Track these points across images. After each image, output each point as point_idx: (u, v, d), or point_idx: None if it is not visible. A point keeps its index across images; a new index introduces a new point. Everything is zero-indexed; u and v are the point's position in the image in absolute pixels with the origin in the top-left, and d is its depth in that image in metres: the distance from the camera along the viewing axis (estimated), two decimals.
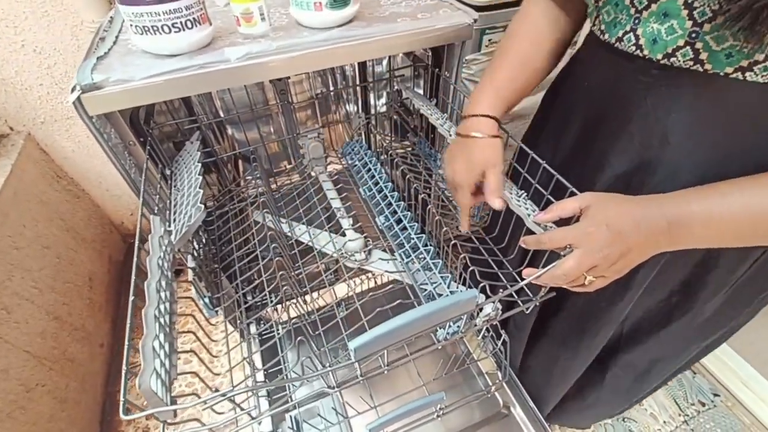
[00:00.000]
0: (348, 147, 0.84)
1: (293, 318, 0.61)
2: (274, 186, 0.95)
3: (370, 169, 0.71)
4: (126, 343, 0.32)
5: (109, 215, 1.45)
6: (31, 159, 1.11)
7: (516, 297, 0.49)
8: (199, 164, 0.54)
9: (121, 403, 0.29)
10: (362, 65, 0.96)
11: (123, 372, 0.31)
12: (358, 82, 0.99)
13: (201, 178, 0.51)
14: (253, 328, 0.77)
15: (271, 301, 0.57)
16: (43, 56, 1.02)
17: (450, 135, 0.57)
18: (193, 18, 0.51)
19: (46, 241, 1.09)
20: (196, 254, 0.55)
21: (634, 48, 0.38)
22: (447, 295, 0.49)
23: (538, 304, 0.49)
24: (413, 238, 0.56)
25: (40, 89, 1.07)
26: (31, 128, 1.13)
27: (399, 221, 0.59)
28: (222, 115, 0.93)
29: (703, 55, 0.34)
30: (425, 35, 0.57)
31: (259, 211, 0.62)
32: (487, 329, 0.73)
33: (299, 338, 0.48)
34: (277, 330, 0.54)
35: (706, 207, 0.34)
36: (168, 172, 0.60)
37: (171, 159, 0.66)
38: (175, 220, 0.51)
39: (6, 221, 0.95)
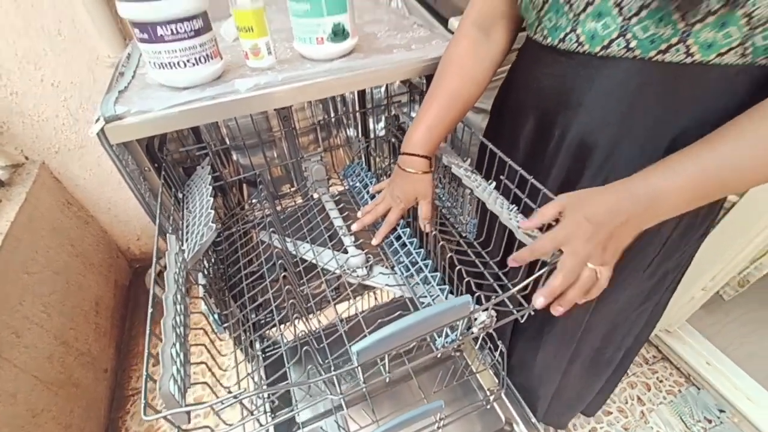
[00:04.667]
0: (349, 169, 0.88)
1: (298, 333, 0.63)
2: (278, 208, 0.98)
3: (370, 190, 0.75)
4: (146, 351, 0.35)
5: (116, 240, 1.48)
6: (45, 187, 1.16)
7: (510, 306, 0.51)
8: (211, 187, 0.58)
9: (143, 405, 0.31)
10: (362, 92, 1.02)
11: (144, 377, 0.33)
12: (357, 108, 1.04)
13: (212, 199, 0.55)
14: (257, 345, 0.79)
15: (276, 317, 0.59)
16: (60, 90, 1.08)
17: (442, 155, 0.62)
18: (206, 54, 0.56)
19: (57, 266, 1.12)
20: (206, 272, 0.58)
21: (576, 45, 0.44)
22: None
23: (532, 312, 0.52)
24: (412, 253, 0.59)
25: (56, 120, 1.13)
26: (46, 157, 1.18)
27: (398, 237, 0.62)
28: (228, 141, 0.98)
29: (633, 43, 0.40)
30: (418, 65, 0.62)
31: (265, 231, 0.66)
32: (484, 340, 0.75)
33: (304, 348, 0.50)
34: (282, 346, 0.56)
35: (674, 177, 0.38)
36: (180, 195, 0.64)
37: (182, 183, 0.70)
38: (187, 239, 0.54)
39: (19, 247, 0.99)
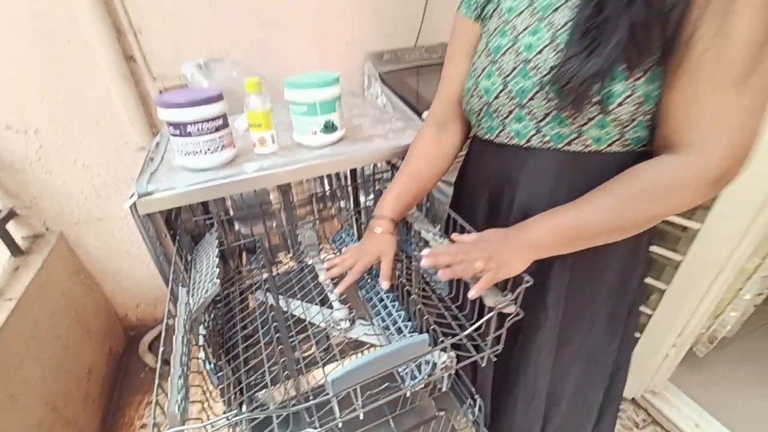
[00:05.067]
0: (338, 235, 0.99)
1: (288, 391, 0.68)
2: (274, 273, 1.07)
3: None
4: (156, 381, 0.42)
5: (116, 307, 1.53)
6: (60, 256, 1.26)
7: (474, 352, 0.59)
8: (217, 249, 0.68)
9: (151, 423, 0.38)
10: (353, 169, 1.18)
11: (154, 401, 0.40)
12: (349, 182, 1.19)
13: (218, 260, 0.65)
14: (245, 408, 0.82)
15: (268, 377, 0.65)
16: (89, 170, 1.24)
17: (414, 222, 0.73)
18: (223, 144, 0.70)
19: (59, 331, 1.17)
20: (206, 324, 0.65)
21: (507, 140, 0.59)
22: None
23: (492, 357, 0.59)
24: (389, 307, 0.67)
25: (80, 195, 1.26)
26: (65, 228, 1.29)
27: (377, 293, 0.71)
28: (232, 212, 1.11)
29: (547, 138, 0.55)
30: (393, 150, 0.77)
31: (261, 290, 0.74)
32: (464, 396, 0.79)
33: (292, 402, 0.56)
34: (271, 404, 0.62)
35: (552, 219, 0.52)
36: (189, 258, 0.74)
37: (190, 248, 0.80)
38: (193, 294, 0.63)
39: (29, 311, 1.05)
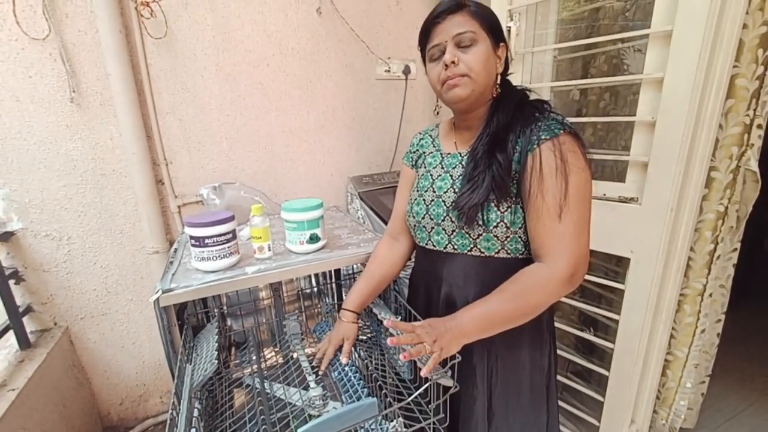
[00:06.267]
0: (318, 326, 1.15)
1: None
2: (261, 365, 1.19)
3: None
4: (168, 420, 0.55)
5: (100, 405, 1.56)
6: (61, 350, 1.36)
7: (422, 421, 0.72)
8: (216, 336, 0.84)
9: None
10: (337, 270, 1.38)
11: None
12: (333, 280, 1.38)
13: (217, 344, 0.80)
14: None
15: None
16: (105, 270, 1.42)
17: (384, 319, 0.91)
18: (231, 251, 0.92)
19: (46, 425, 1.21)
20: (200, 401, 0.78)
21: (434, 246, 0.81)
22: None
23: (439, 427, 0.72)
24: (355, 384, 0.80)
25: (93, 293, 1.42)
26: (71, 323, 1.42)
27: (347, 374, 0.84)
28: (225, 309, 1.27)
29: (456, 246, 0.77)
30: (363, 256, 0.99)
31: (249, 376, 0.88)
32: None
33: None
34: None
35: (471, 311, 0.68)
36: (191, 344, 0.89)
37: (192, 336, 0.95)
38: (194, 374, 0.77)
39: (26, 403, 1.13)
